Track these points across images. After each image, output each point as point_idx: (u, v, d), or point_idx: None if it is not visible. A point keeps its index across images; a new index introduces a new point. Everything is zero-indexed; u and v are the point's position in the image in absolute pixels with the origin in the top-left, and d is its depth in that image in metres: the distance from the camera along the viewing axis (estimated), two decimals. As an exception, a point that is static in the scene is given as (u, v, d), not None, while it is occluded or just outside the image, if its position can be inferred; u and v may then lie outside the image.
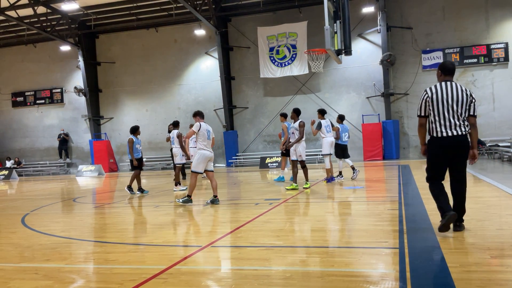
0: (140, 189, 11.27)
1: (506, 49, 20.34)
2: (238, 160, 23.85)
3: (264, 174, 16.52)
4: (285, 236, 5.47)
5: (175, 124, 12.48)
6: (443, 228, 4.75)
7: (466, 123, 4.85)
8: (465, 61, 20.81)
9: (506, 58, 20.34)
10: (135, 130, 11.26)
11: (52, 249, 5.22)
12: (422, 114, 5.01)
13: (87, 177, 22.05)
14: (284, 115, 12.03)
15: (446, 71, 5.03)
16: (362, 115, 21.81)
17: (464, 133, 4.81)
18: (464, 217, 5.11)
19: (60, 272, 4.21)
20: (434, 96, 4.88)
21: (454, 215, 4.74)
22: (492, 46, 20.50)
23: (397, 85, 21.71)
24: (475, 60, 20.70)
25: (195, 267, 4.23)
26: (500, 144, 18.91)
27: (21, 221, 7.59)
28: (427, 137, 5.15)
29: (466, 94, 4.87)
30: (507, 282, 3.33)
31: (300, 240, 5.18)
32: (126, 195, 11.09)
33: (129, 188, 11.26)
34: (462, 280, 3.35)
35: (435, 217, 5.78)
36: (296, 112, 10.41)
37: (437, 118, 4.87)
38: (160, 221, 7.29)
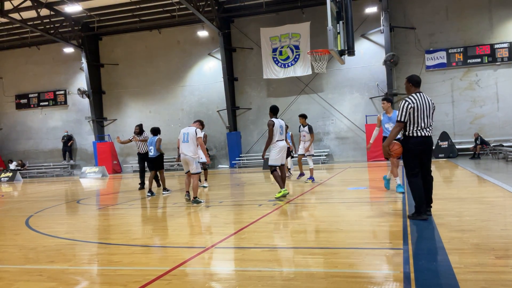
0: (150, 191, 11.19)
1: (510, 48, 20.28)
2: (241, 161, 23.85)
3: (268, 175, 16.50)
4: (289, 237, 5.47)
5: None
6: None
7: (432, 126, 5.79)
8: (468, 61, 20.76)
9: (510, 58, 20.28)
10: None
11: (56, 251, 5.24)
12: (404, 120, 5.68)
13: (90, 178, 22.11)
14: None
15: (416, 84, 5.82)
16: (366, 116, 21.79)
17: (431, 134, 5.79)
18: (468, 218, 5.73)
19: (64, 274, 4.22)
20: (416, 105, 5.61)
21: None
22: (496, 46, 20.45)
23: (401, 85, 21.62)
24: (479, 60, 20.65)
25: (199, 268, 4.23)
26: (505, 144, 18.83)
27: (25, 223, 7.62)
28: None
29: (432, 103, 5.80)
30: (512, 283, 3.32)
31: (304, 241, 5.17)
32: (128, 196, 11.09)
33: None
34: (466, 280, 3.34)
35: (439, 217, 5.77)
36: (273, 111, 9.07)
37: (419, 122, 5.64)
38: (164, 222, 7.30)
